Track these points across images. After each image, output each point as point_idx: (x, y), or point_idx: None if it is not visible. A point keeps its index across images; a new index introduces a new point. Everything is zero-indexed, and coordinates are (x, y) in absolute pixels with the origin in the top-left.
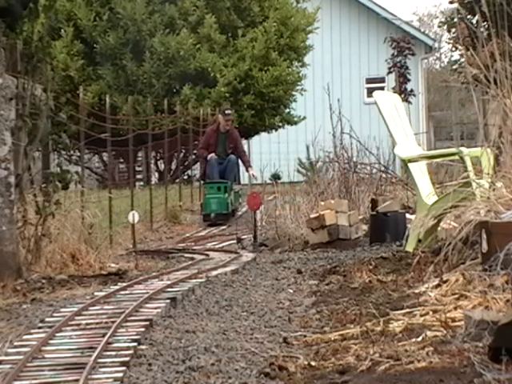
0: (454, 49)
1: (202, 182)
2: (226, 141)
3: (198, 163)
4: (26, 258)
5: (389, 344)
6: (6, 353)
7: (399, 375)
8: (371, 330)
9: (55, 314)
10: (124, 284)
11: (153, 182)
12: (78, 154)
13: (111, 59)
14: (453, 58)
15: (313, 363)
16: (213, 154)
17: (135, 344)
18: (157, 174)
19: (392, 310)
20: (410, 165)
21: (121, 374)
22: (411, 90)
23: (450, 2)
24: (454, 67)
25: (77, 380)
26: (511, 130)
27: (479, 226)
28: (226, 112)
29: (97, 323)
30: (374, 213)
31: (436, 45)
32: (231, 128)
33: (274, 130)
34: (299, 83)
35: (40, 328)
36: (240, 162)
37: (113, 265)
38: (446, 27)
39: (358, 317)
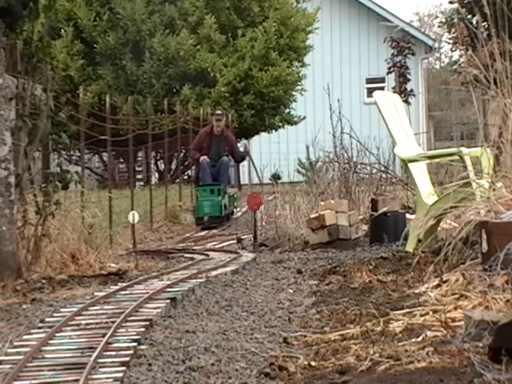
0: (454, 49)
1: (194, 185)
2: (221, 144)
3: None
4: (26, 258)
5: (389, 344)
6: (6, 353)
7: (399, 375)
8: (371, 330)
9: (55, 314)
10: (124, 284)
11: (153, 182)
12: (78, 154)
13: (111, 59)
14: (453, 59)
15: (313, 363)
16: (205, 157)
17: (135, 344)
18: (157, 174)
19: (392, 310)
20: (409, 165)
21: (121, 374)
22: (411, 90)
23: (450, 2)
24: (454, 67)
25: (77, 380)
26: (511, 130)
27: (479, 225)
28: (216, 112)
29: (97, 323)
30: (374, 213)
31: (436, 45)
32: (226, 131)
33: (273, 130)
34: (299, 83)
35: (40, 328)
36: (235, 160)
37: (113, 265)
38: (446, 27)
39: (358, 317)
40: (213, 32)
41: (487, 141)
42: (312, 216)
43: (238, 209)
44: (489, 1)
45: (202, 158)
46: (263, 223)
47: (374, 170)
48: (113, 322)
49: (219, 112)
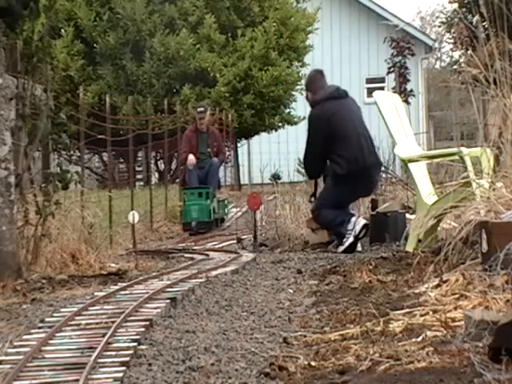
0: (454, 49)
1: (181, 188)
2: (208, 140)
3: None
4: (26, 258)
5: (389, 344)
6: (6, 353)
7: (399, 375)
8: (371, 330)
9: (55, 314)
10: (124, 284)
11: (153, 182)
12: (78, 154)
13: (111, 59)
14: (453, 59)
15: (313, 363)
16: (191, 158)
17: (135, 344)
18: (157, 174)
19: (392, 310)
20: (409, 165)
21: (121, 374)
22: (411, 90)
23: (450, 2)
24: (454, 67)
25: (77, 380)
26: (511, 130)
27: (479, 225)
28: (198, 109)
29: (97, 323)
30: (374, 213)
31: (436, 45)
32: (211, 127)
33: (273, 130)
34: (299, 83)
35: (40, 328)
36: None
37: (113, 265)
38: (446, 27)
39: (358, 317)
40: (213, 32)
41: (487, 141)
42: (312, 216)
43: (238, 208)
44: (487, 0)
45: (188, 158)
46: (263, 223)
47: None
48: (113, 322)
49: (201, 109)
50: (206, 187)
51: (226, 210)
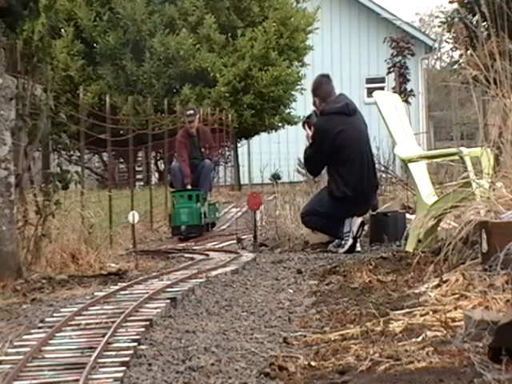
0: (454, 49)
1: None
2: (200, 143)
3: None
4: (26, 258)
5: (389, 344)
6: (6, 353)
7: (399, 375)
8: (371, 330)
9: (55, 314)
10: (124, 284)
11: (153, 182)
12: (78, 154)
13: (111, 59)
14: (453, 59)
15: (313, 363)
16: (177, 163)
17: (135, 344)
18: (157, 174)
19: (392, 310)
20: (409, 165)
21: (121, 374)
22: (411, 90)
23: (450, 2)
24: (454, 67)
25: (77, 380)
26: (511, 130)
27: (479, 225)
28: (187, 112)
29: (97, 323)
30: (374, 213)
31: (436, 45)
32: (200, 127)
33: (273, 130)
34: (299, 83)
35: (40, 328)
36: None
37: (113, 265)
38: (446, 27)
39: (357, 317)
40: (213, 32)
41: (487, 141)
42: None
43: (238, 209)
44: (488, 0)
45: (173, 163)
46: (263, 223)
47: None
48: (113, 322)
49: (191, 112)
50: (197, 189)
51: (217, 214)
